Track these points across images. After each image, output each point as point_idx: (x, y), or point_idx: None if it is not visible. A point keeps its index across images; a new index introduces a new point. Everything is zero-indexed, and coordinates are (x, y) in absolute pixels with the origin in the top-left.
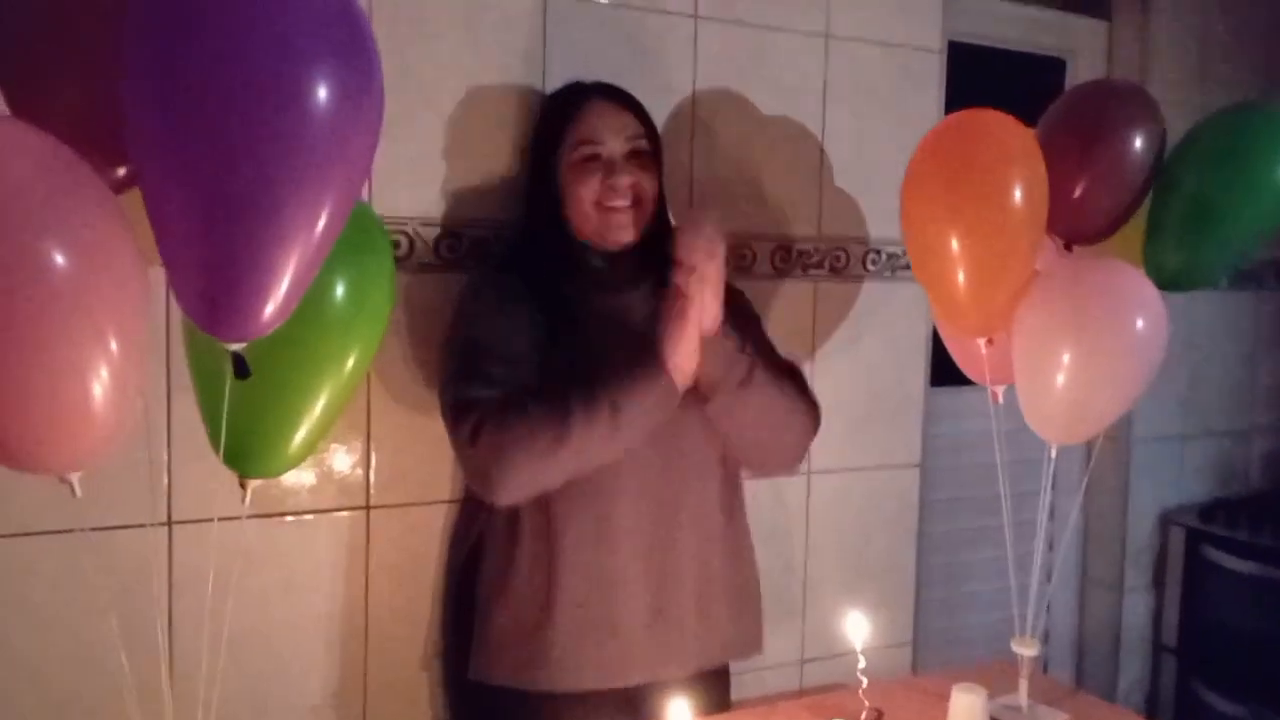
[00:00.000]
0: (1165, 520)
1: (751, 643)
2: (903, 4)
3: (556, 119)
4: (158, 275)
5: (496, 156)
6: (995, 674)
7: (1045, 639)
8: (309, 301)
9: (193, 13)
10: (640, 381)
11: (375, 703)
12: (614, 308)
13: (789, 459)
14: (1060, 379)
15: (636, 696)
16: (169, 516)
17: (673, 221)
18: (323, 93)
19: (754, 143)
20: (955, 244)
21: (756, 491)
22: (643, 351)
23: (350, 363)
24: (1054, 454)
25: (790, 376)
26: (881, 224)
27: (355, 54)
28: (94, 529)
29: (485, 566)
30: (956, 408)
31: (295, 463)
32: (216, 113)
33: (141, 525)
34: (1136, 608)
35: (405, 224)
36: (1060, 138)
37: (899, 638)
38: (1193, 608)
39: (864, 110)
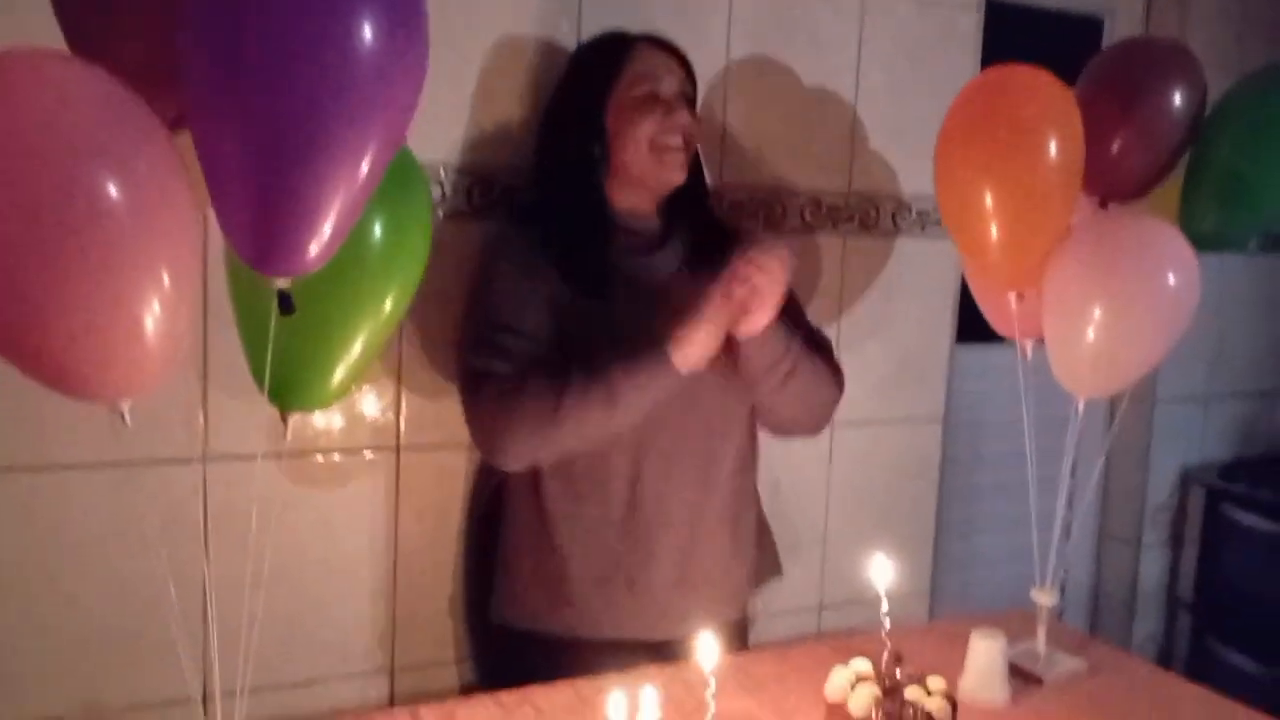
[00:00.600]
0: (1186, 478)
1: (749, 590)
2: None
3: (607, 60)
4: None
5: (529, 105)
6: (1013, 622)
7: (1061, 592)
8: (351, 240)
9: None
10: (643, 366)
11: (403, 643)
12: (638, 266)
13: (815, 428)
14: (1090, 333)
15: (660, 647)
16: (204, 453)
17: (706, 176)
18: (369, 30)
19: (787, 98)
20: (989, 199)
21: (779, 442)
22: (657, 331)
23: (389, 301)
24: (1081, 408)
25: (822, 351)
26: (912, 180)
27: None
28: (130, 463)
29: (508, 512)
30: (979, 365)
31: (335, 398)
32: (266, 51)
33: (178, 461)
34: (1153, 564)
35: (436, 170)
36: (1099, 94)
37: (917, 587)
38: (1210, 565)
39: (899, 68)
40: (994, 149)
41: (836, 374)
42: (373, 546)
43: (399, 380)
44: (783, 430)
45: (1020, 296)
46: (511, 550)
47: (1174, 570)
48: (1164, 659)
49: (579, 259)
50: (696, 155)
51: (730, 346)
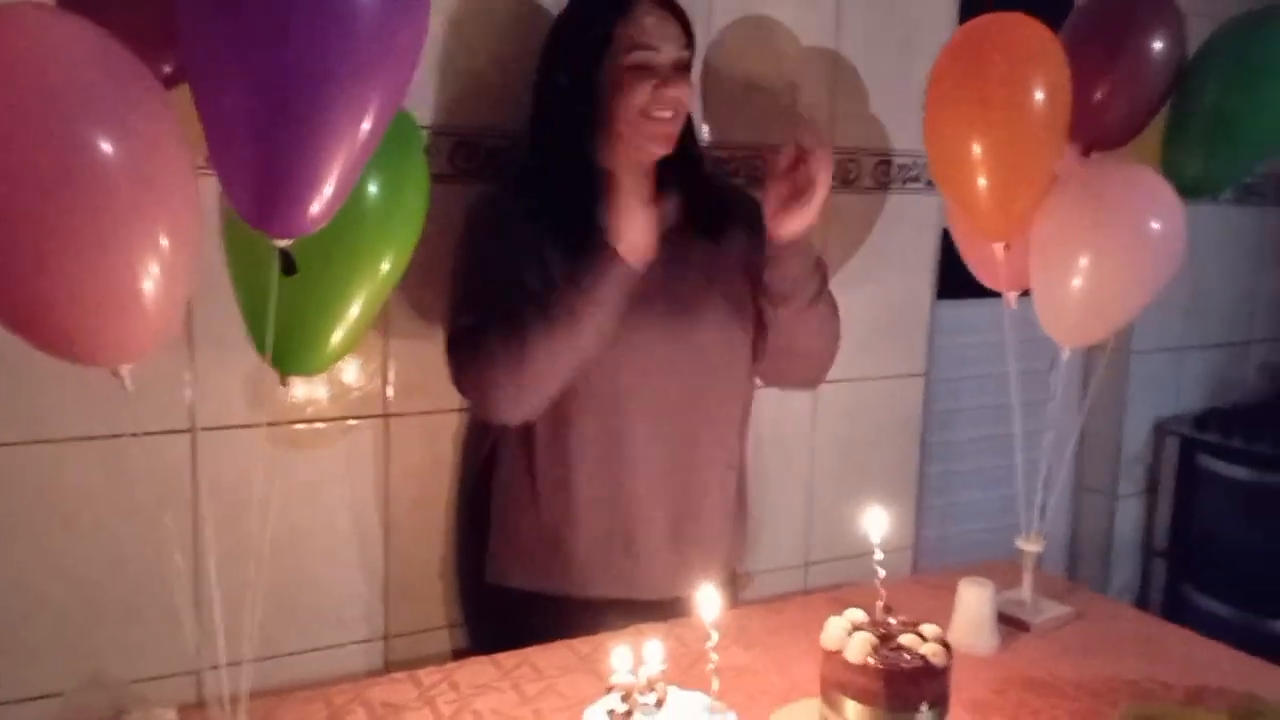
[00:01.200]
0: (1160, 429)
1: (740, 551)
2: None
3: (602, 19)
4: None
5: (515, 63)
6: (997, 571)
7: None
8: (349, 199)
9: None
10: (590, 271)
11: (396, 609)
12: None
13: (820, 374)
14: (1077, 281)
15: (654, 607)
16: (194, 424)
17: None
18: None
19: (766, 52)
20: (977, 148)
21: (763, 399)
22: (593, 238)
23: (387, 262)
24: (1065, 356)
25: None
26: (893, 135)
27: None
28: (121, 436)
29: (501, 472)
30: (957, 321)
31: (333, 361)
32: (269, 5)
33: (169, 432)
34: (1129, 514)
35: (422, 133)
36: (1082, 42)
37: (901, 542)
38: (1184, 514)
39: (877, 20)
40: (983, 98)
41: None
42: (364, 515)
43: (386, 347)
44: (788, 376)
45: (1007, 247)
46: (506, 512)
47: (1149, 520)
48: (1140, 607)
49: (567, 219)
50: (689, 119)
51: (723, 280)
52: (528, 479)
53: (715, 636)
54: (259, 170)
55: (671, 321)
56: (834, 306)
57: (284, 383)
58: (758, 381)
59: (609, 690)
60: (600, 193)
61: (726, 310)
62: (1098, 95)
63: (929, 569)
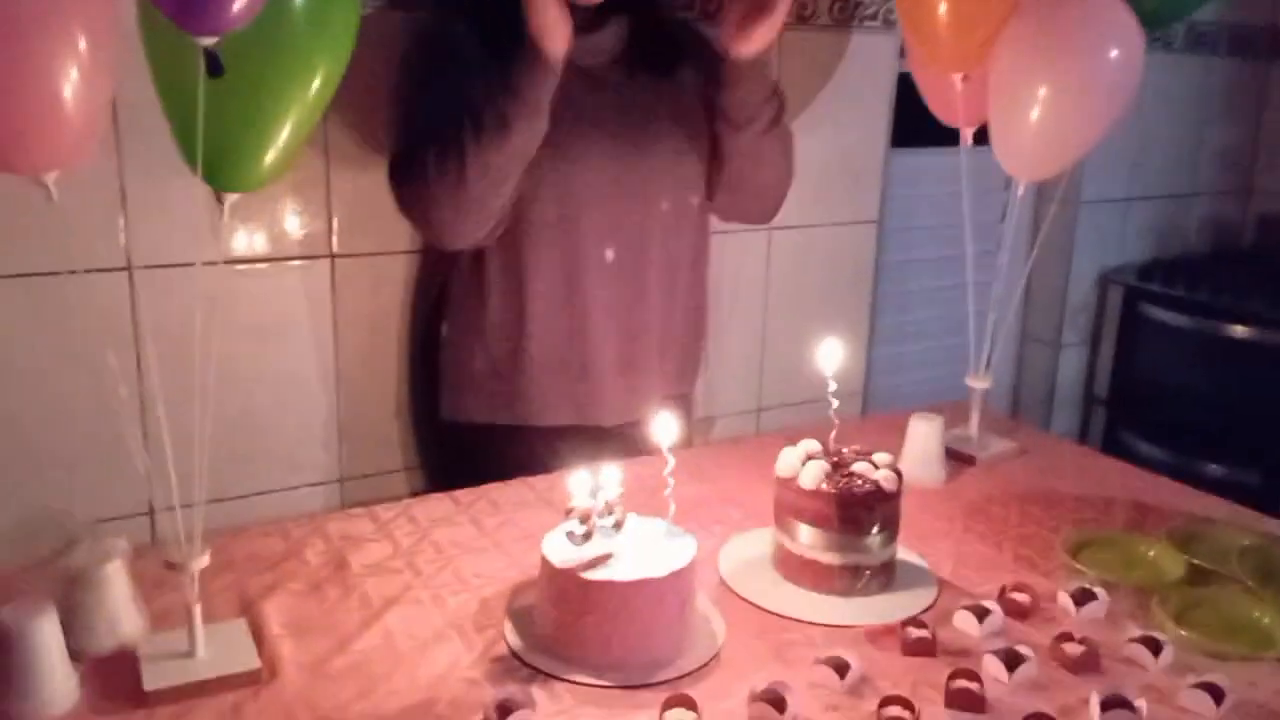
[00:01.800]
0: (1104, 279)
1: (691, 378)
2: None
3: None
4: None
5: None
6: (945, 411)
7: None
8: (277, 2)
9: None
10: (514, 70)
11: (351, 451)
12: (570, 56)
13: (773, 207)
14: (1035, 112)
15: (609, 432)
16: (129, 261)
17: None
18: None
19: None
20: None
21: (716, 246)
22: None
23: (321, 68)
24: (1021, 192)
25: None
26: None
27: None
28: (52, 273)
29: (452, 309)
30: (910, 170)
31: (270, 177)
32: None
33: (103, 270)
34: (1071, 362)
35: None
36: None
37: (851, 387)
38: (1125, 362)
39: None
40: None
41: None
42: (313, 358)
43: (328, 186)
44: (742, 208)
45: (966, 78)
46: (458, 347)
47: (1091, 368)
48: None
49: (509, 37)
50: None
51: (720, 86)
52: (480, 310)
53: (672, 461)
54: None
55: (621, 149)
56: (788, 134)
57: (219, 200)
58: (714, 222)
59: (568, 514)
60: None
61: (677, 140)
62: None
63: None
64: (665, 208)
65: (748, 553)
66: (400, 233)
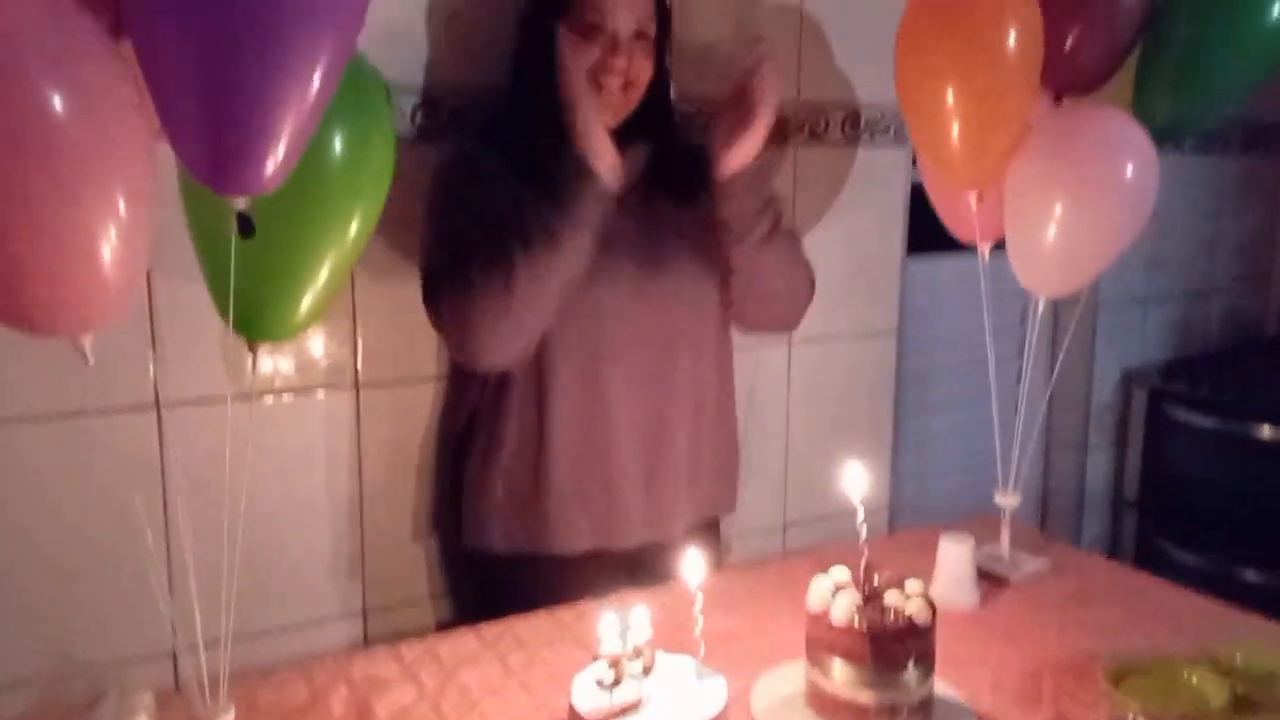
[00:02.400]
0: (1128, 379)
1: (729, 500)
2: None
3: None
4: None
5: (477, 20)
6: (973, 527)
7: None
8: (311, 154)
9: None
10: (566, 190)
11: (373, 578)
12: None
13: (793, 316)
14: (1052, 229)
15: (632, 556)
16: (158, 398)
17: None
18: None
19: (731, 7)
20: (950, 95)
21: (738, 361)
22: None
23: (355, 221)
24: (1040, 309)
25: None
26: (861, 89)
27: None
28: (83, 414)
29: (478, 436)
30: (927, 276)
31: (303, 327)
32: None
33: (132, 409)
34: (1099, 465)
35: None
36: None
37: (877, 502)
38: (1154, 464)
39: None
40: (954, 43)
41: (808, 266)
42: (337, 488)
43: (354, 315)
44: (761, 318)
45: (980, 197)
46: (482, 471)
47: (1119, 470)
48: (1112, 557)
49: (539, 156)
50: (664, 83)
51: (692, 232)
52: (503, 436)
53: (700, 599)
54: (206, 125)
55: (643, 272)
56: (795, 244)
57: (252, 349)
58: (735, 336)
59: (596, 659)
60: (563, 142)
61: (696, 263)
62: (1069, 39)
63: (905, 526)
64: (687, 327)
65: (781, 690)
66: (426, 359)
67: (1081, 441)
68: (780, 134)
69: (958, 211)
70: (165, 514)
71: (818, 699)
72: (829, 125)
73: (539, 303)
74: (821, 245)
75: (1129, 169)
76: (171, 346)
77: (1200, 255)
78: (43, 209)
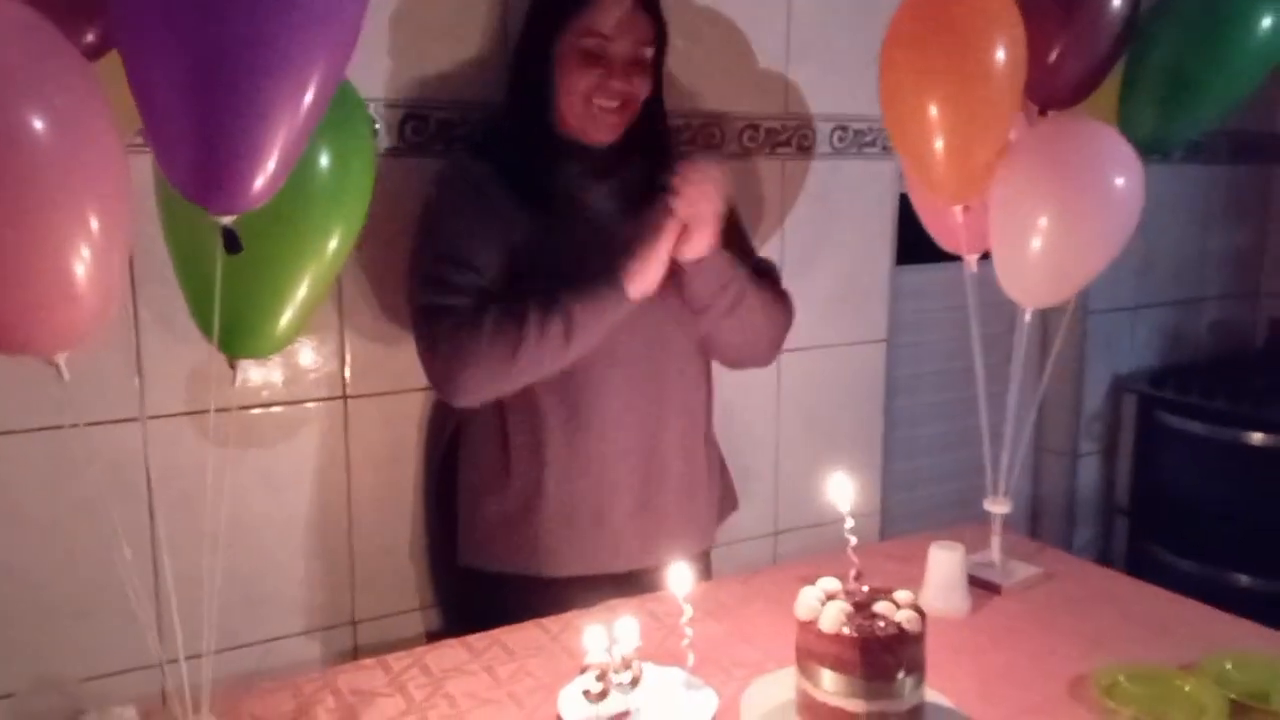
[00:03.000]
0: (1118, 387)
1: (713, 530)
2: None
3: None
4: None
5: (465, 35)
6: (964, 535)
7: None
8: (294, 175)
9: None
10: (598, 297)
11: (363, 593)
12: (587, 198)
13: (765, 359)
14: (1038, 241)
15: (624, 580)
16: (142, 412)
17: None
18: None
19: (720, 21)
20: (934, 109)
21: (728, 372)
22: (608, 260)
23: (335, 237)
24: (1028, 318)
25: (768, 277)
26: (848, 101)
27: None
28: (67, 427)
29: (468, 454)
30: (916, 286)
31: (284, 342)
32: None
33: (116, 421)
34: (1090, 472)
35: (367, 105)
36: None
37: (868, 509)
38: (1144, 471)
39: None
40: (938, 57)
41: (785, 301)
42: (326, 500)
43: (341, 326)
44: (733, 361)
45: (966, 209)
46: (474, 493)
47: (1110, 477)
48: (1103, 564)
49: (528, 179)
50: (658, 94)
51: (676, 273)
52: (497, 456)
53: (689, 611)
54: (197, 144)
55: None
56: (766, 303)
57: (232, 366)
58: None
59: (584, 670)
60: (557, 157)
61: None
62: (1053, 52)
63: (896, 533)
64: (678, 352)
65: (771, 699)
66: (414, 369)
67: (1072, 449)
68: (768, 149)
69: (944, 223)
70: (152, 527)
71: (808, 708)
72: (816, 138)
73: (533, 376)
74: (811, 256)
75: (1113, 181)
76: (156, 359)
77: (1190, 264)
78: (13, 229)
